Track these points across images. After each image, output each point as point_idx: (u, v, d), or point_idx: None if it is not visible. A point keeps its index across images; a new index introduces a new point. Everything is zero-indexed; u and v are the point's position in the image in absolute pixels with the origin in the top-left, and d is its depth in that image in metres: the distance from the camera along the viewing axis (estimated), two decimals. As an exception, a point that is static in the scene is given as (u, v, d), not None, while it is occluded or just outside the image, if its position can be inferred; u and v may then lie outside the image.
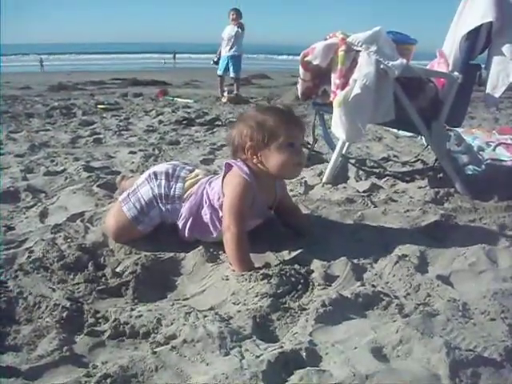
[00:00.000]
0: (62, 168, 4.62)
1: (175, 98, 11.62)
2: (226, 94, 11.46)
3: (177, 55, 44.69)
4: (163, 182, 2.77)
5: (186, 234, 2.77)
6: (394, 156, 5.14)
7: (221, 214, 2.61)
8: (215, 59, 12.82)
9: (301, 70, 3.62)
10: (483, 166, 4.23)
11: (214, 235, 2.71)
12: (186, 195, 2.73)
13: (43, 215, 3.30)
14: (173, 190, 2.75)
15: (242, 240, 2.48)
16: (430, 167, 4.37)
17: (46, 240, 2.78)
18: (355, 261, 2.50)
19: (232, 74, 12.31)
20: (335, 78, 3.35)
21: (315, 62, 3.41)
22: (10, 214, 3.33)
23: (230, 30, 12.07)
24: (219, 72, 12.56)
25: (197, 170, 2.89)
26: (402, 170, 4.53)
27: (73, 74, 23.91)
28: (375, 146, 5.80)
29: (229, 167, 2.67)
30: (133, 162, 4.83)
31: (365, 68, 3.21)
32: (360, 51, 3.29)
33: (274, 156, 2.54)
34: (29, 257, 2.60)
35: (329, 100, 3.43)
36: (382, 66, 3.21)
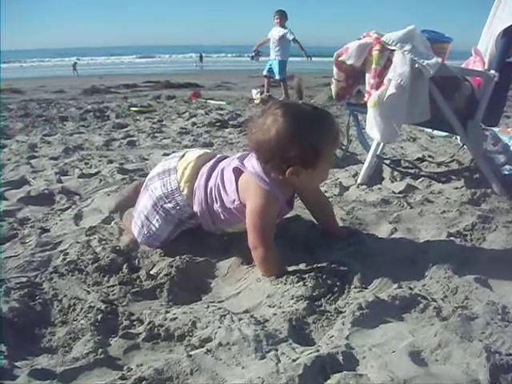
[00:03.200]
0: (96, 170, 4.65)
1: (208, 100, 11.62)
2: (258, 95, 11.40)
3: (204, 58, 44.81)
4: (158, 183, 2.69)
5: (212, 228, 2.74)
6: (429, 156, 5.07)
7: (235, 214, 2.55)
8: (252, 53, 12.85)
9: (335, 71, 3.58)
10: (520, 166, 4.16)
11: (231, 227, 2.70)
12: (183, 186, 2.64)
13: (78, 217, 3.33)
14: (168, 185, 2.66)
15: (272, 256, 2.41)
16: (466, 167, 4.31)
17: (81, 242, 2.81)
18: (392, 263, 2.46)
19: (277, 77, 12.21)
20: (369, 78, 3.31)
21: (349, 62, 3.37)
22: (45, 216, 3.38)
23: (276, 33, 11.92)
24: (265, 72, 12.48)
25: (187, 155, 2.77)
26: (437, 170, 4.47)
27: (106, 77, 24.12)
28: (410, 147, 5.74)
29: (238, 172, 2.51)
30: (166, 164, 4.79)
31: (399, 67, 3.17)
32: (394, 50, 3.25)
33: (314, 177, 2.44)
34: (64, 259, 2.63)
35: (363, 100, 3.40)
36: (416, 65, 3.17)
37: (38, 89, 17.33)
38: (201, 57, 44.20)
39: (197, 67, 37.88)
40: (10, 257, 2.69)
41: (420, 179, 4.09)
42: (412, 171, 4.37)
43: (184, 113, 9.30)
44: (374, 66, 3.27)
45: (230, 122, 7.82)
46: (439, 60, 3.24)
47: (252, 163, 2.45)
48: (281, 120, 2.27)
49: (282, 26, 11.86)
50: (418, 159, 4.88)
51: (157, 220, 2.69)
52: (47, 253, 2.73)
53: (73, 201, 3.70)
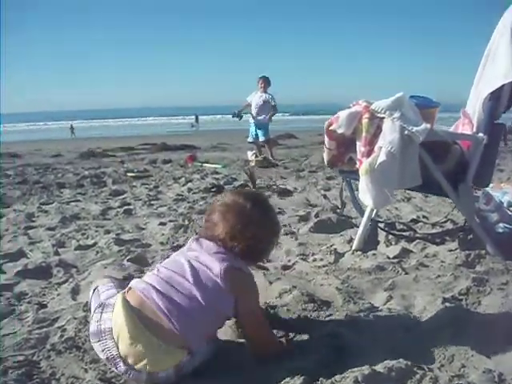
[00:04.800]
0: (92, 241, 4.66)
1: (204, 164, 11.76)
2: (253, 157, 11.53)
3: (200, 118, 45.28)
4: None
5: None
6: (424, 217, 5.12)
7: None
8: (236, 111, 13.22)
9: (326, 139, 3.64)
10: (514, 223, 4.17)
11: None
12: None
13: (75, 292, 3.33)
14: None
15: (274, 336, 2.44)
16: (461, 227, 4.34)
17: (78, 318, 2.79)
18: (386, 332, 2.47)
19: (261, 138, 12.67)
20: (360, 146, 3.36)
21: (340, 131, 3.43)
22: (43, 290, 3.38)
23: (258, 97, 12.44)
24: (249, 139, 13.02)
25: (116, 326, 2.13)
26: (432, 231, 4.50)
27: (102, 139, 24.36)
28: (404, 207, 5.78)
29: (232, 269, 2.24)
30: (163, 234, 4.83)
31: (389, 135, 3.22)
32: (384, 118, 3.31)
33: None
34: (61, 336, 2.61)
35: (355, 167, 3.45)
36: (406, 132, 3.22)
37: (35, 152, 17.51)
38: (196, 118, 44.64)
39: (193, 128, 38.24)
40: (8, 334, 2.68)
41: (415, 242, 4.12)
42: (407, 233, 4.40)
43: (180, 178, 9.40)
44: (364, 133, 3.32)
45: (226, 187, 7.86)
46: (428, 126, 3.29)
47: (225, 257, 2.27)
48: (271, 219, 2.47)
49: (265, 91, 12.46)
50: (413, 220, 4.92)
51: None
52: (44, 329, 2.72)
53: (70, 274, 3.71)
